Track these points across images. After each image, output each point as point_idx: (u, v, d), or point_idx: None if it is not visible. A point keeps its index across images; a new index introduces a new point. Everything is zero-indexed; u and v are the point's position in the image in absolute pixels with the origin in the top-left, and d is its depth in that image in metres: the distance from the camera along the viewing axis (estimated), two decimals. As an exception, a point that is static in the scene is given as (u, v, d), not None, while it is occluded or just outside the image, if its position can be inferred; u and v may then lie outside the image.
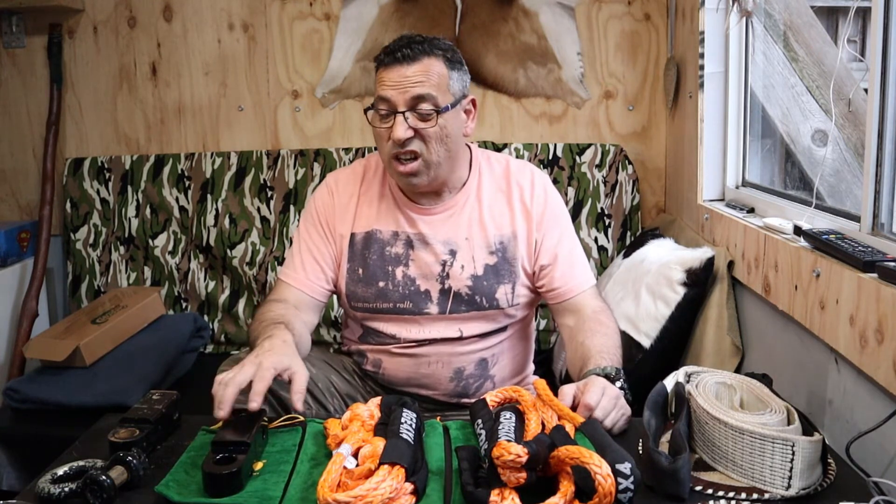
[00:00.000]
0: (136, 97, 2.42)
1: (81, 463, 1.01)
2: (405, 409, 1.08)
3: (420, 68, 1.35)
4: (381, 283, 1.45)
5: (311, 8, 2.35)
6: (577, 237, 1.54)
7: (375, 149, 2.30)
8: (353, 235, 1.48)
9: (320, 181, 2.31)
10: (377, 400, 1.18)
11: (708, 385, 1.07)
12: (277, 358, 1.15)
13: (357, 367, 1.55)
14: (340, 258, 1.49)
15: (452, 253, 1.45)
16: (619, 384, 1.21)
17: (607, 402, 1.13)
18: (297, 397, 1.12)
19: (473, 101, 1.45)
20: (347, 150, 2.36)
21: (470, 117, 1.45)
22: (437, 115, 1.36)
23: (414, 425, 1.04)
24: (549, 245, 1.47)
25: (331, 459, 0.95)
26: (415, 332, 1.46)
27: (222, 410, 1.07)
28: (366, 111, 1.40)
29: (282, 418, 1.18)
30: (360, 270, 1.47)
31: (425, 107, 1.35)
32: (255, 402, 1.08)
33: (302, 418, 1.17)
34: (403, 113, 1.35)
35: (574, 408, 1.13)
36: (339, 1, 2.33)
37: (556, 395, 1.14)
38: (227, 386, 1.09)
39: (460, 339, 1.46)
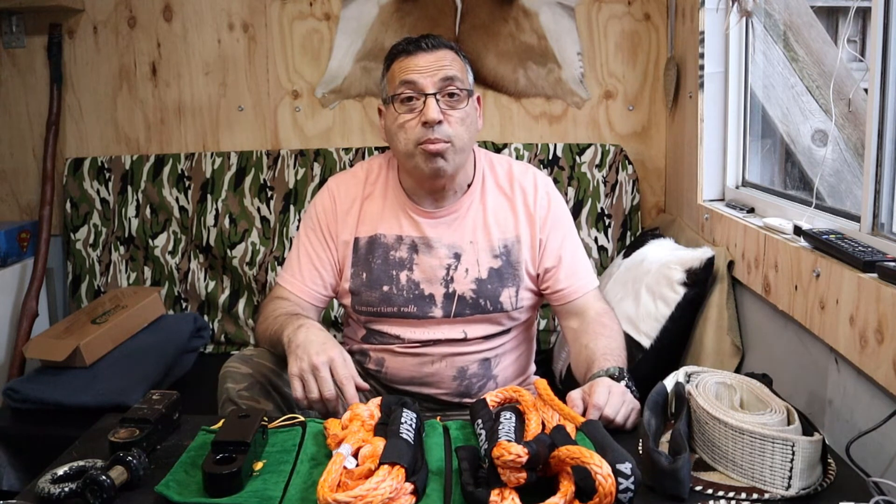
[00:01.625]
0: (136, 97, 2.42)
1: (81, 463, 1.01)
2: (405, 409, 1.08)
3: (441, 55, 1.38)
4: (386, 288, 1.45)
5: (311, 8, 2.35)
6: (579, 238, 1.54)
7: (377, 149, 2.33)
8: (356, 240, 1.48)
9: (321, 181, 2.33)
10: (377, 400, 1.18)
11: (708, 385, 1.07)
12: (327, 358, 1.21)
13: (359, 366, 1.55)
14: (343, 263, 1.49)
15: (457, 257, 1.45)
16: (623, 383, 1.21)
17: (615, 399, 1.15)
18: (348, 390, 1.19)
19: (479, 99, 1.47)
20: (347, 150, 2.36)
21: (478, 114, 1.47)
22: (467, 96, 1.39)
23: (414, 425, 1.04)
24: (552, 247, 1.47)
25: (331, 459, 0.95)
26: (419, 334, 1.46)
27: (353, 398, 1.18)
28: (385, 102, 1.40)
29: (282, 418, 1.18)
30: (364, 275, 1.46)
31: (453, 88, 1.37)
32: (351, 391, 1.19)
33: (302, 418, 1.17)
34: (434, 95, 1.36)
35: (584, 412, 1.14)
36: (339, 1, 2.33)
37: (557, 396, 1.14)
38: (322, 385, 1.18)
39: (464, 339, 1.46)
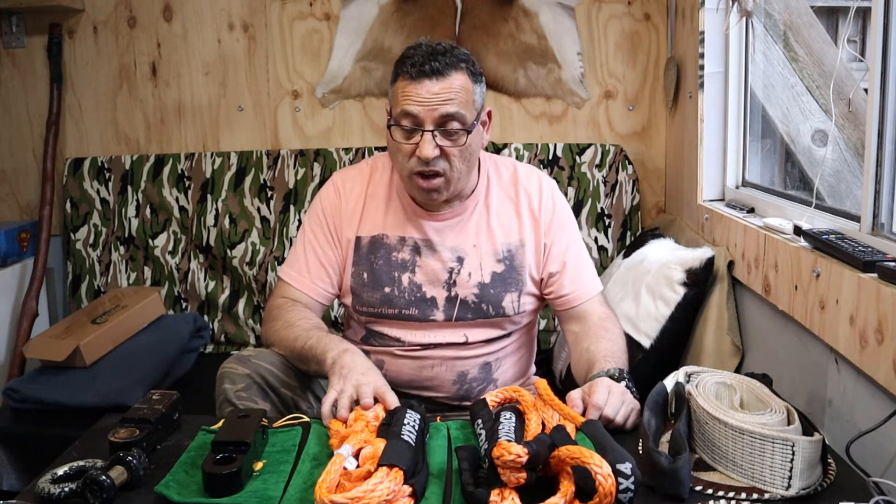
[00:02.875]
0: (136, 97, 2.42)
1: (81, 463, 1.01)
2: (409, 411, 1.07)
3: (448, 84, 1.31)
4: (387, 289, 1.44)
5: (311, 8, 2.35)
6: (583, 242, 1.53)
7: (377, 149, 2.33)
8: (358, 239, 1.47)
9: (320, 181, 2.33)
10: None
11: (708, 385, 1.07)
12: (372, 380, 1.21)
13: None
14: (345, 262, 1.48)
15: (460, 260, 1.44)
16: (623, 384, 1.21)
17: (615, 399, 1.16)
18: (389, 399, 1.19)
19: (489, 113, 1.43)
20: (347, 150, 2.36)
21: (486, 129, 1.43)
22: (466, 134, 1.33)
23: (417, 427, 1.03)
24: (557, 252, 1.46)
25: (331, 460, 0.95)
26: (419, 337, 1.45)
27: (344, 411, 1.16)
28: (388, 126, 1.35)
29: (285, 418, 1.18)
30: (366, 275, 1.45)
31: (453, 125, 1.32)
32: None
33: (306, 418, 1.18)
34: (432, 131, 1.31)
35: (584, 412, 1.14)
36: (339, 1, 2.33)
37: (557, 396, 1.14)
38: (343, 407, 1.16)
39: (465, 344, 1.45)
